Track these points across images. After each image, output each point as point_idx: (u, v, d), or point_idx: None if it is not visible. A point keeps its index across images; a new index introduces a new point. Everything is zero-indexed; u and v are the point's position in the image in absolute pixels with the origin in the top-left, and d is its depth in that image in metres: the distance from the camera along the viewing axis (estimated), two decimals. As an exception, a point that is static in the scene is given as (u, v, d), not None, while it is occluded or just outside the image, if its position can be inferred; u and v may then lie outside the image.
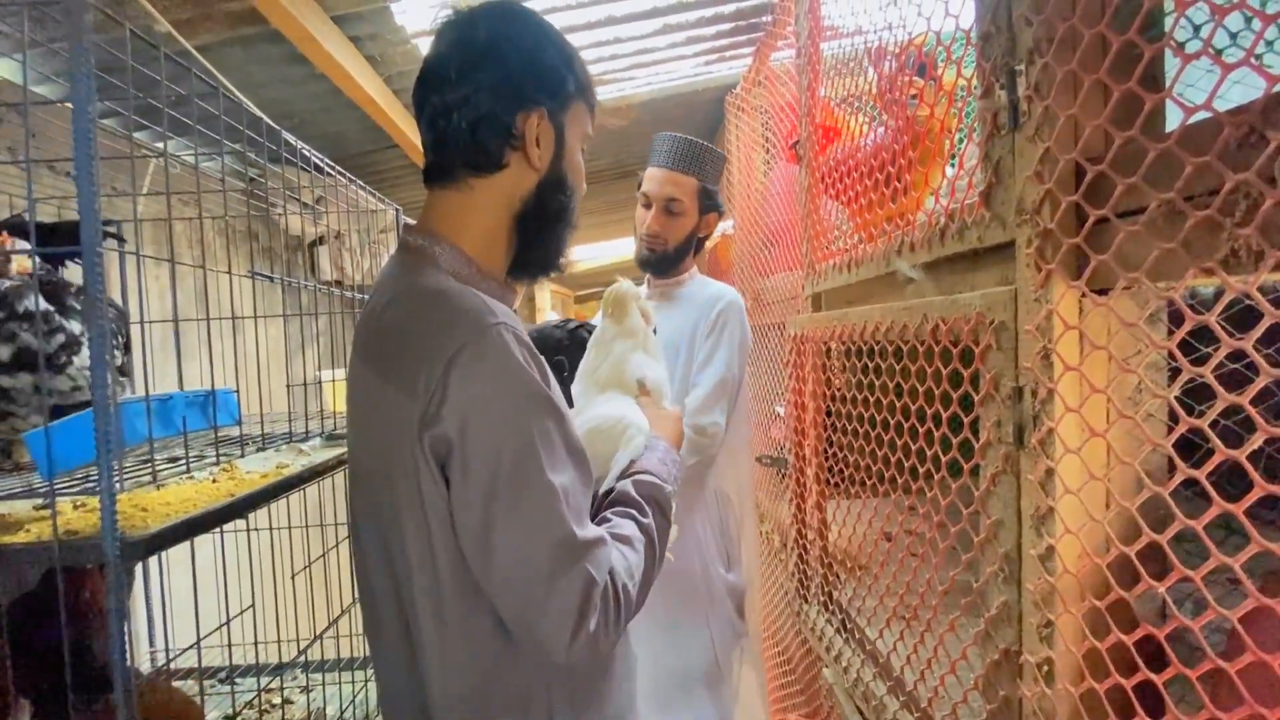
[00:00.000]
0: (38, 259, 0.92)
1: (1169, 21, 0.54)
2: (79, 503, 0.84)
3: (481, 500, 0.64)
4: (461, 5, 0.77)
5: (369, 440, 0.73)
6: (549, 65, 0.75)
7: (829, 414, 1.21)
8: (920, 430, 0.81)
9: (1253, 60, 0.42)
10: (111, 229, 0.96)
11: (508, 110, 0.74)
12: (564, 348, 1.39)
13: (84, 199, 0.55)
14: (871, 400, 0.97)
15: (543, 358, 0.74)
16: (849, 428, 1.08)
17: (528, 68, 0.74)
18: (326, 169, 1.29)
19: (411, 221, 0.82)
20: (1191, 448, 0.47)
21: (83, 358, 0.93)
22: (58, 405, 0.92)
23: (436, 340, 0.65)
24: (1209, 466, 0.43)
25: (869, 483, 1.00)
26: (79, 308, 0.95)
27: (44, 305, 0.91)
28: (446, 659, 0.70)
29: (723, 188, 1.76)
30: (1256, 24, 0.44)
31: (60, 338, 0.91)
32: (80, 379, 0.92)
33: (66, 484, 0.79)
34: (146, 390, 0.79)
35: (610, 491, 0.80)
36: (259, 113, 1.05)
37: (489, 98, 0.73)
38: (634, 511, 0.76)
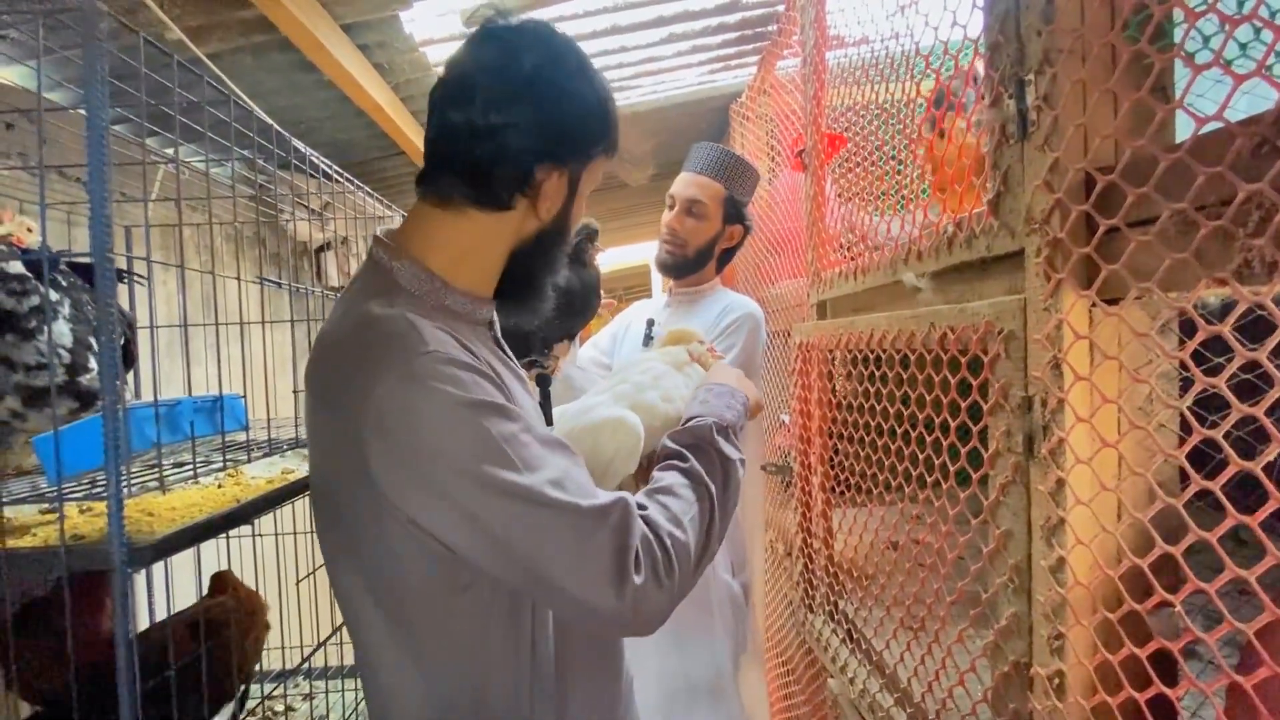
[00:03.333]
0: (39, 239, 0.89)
1: (1178, 32, 0.54)
2: (85, 507, 0.84)
3: (469, 519, 0.62)
4: (505, 8, 0.73)
5: (316, 462, 0.72)
6: (587, 123, 0.71)
7: (834, 421, 1.21)
8: (928, 439, 0.81)
9: (1264, 71, 0.42)
10: (124, 265, 0.94)
11: (532, 159, 0.69)
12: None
13: (95, 205, 0.55)
14: (878, 408, 0.96)
15: (508, 365, 0.74)
16: (855, 435, 1.07)
17: (565, 121, 0.70)
18: (335, 175, 1.30)
19: (392, 227, 0.79)
20: (1204, 458, 0.47)
21: (58, 331, 0.86)
22: (27, 385, 0.85)
23: (364, 375, 0.63)
24: (1223, 478, 0.42)
25: (875, 491, 1.00)
26: (64, 283, 0.92)
27: (21, 269, 0.86)
28: (412, 685, 0.69)
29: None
30: (1266, 35, 0.43)
31: (34, 299, 0.85)
32: (53, 356, 0.85)
33: (74, 488, 0.79)
34: (155, 396, 0.78)
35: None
36: (269, 120, 1.06)
37: (517, 141, 0.68)
38: (675, 461, 0.75)
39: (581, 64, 0.72)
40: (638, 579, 0.63)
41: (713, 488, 0.73)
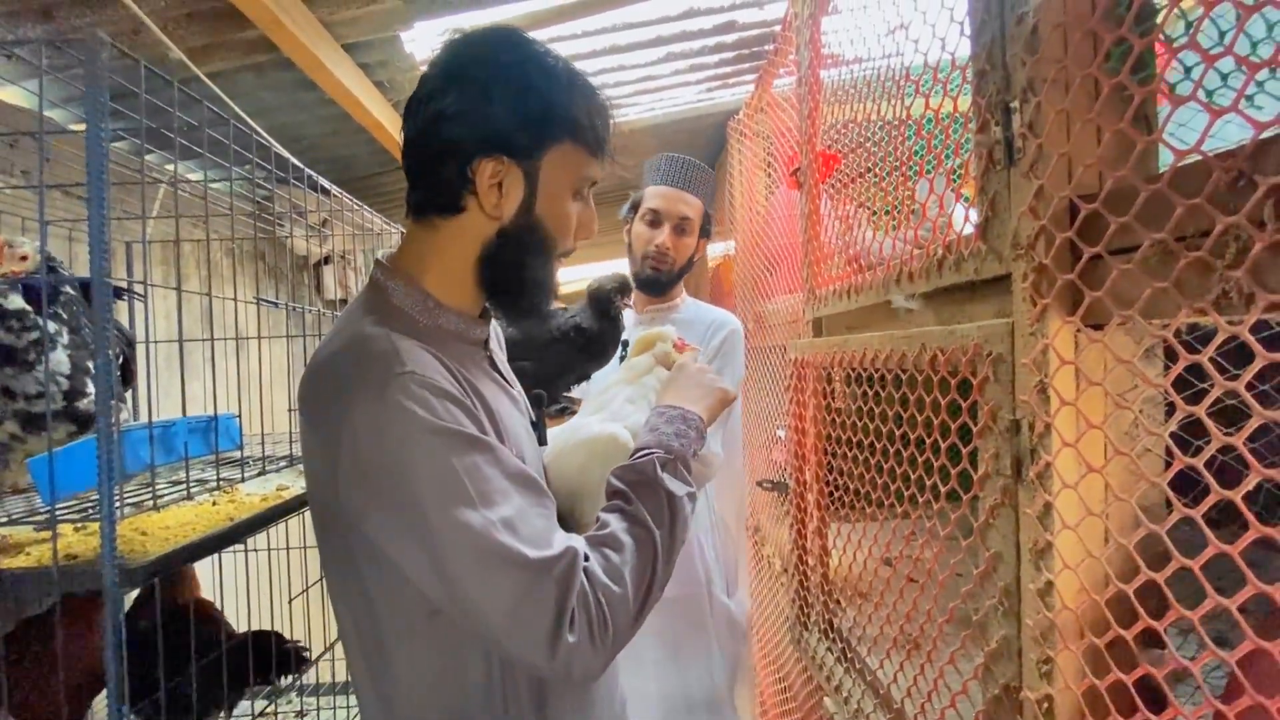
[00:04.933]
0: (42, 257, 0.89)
1: (1160, 63, 0.55)
2: (80, 525, 0.84)
3: (418, 547, 0.61)
4: (466, 28, 0.73)
5: (308, 478, 0.72)
6: (520, 108, 0.68)
7: (829, 439, 1.21)
8: (920, 458, 0.81)
9: (1241, 105, 0.43)
10: (123, 285, 0.95)
11: (464, 152, 0.68)
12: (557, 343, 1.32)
13: (94, 230, 0.56)
14: (872, 427, 0.97)
15: (501, 388, 0.73)
16: (850, 454, 1.08)
17: (493, 109, 0.68)
18: (334, 193, 1.31)
19: (391, 250, 0.79)
20: (1191, 482, 0.47)
21: (56, 360, 0.88)
22: (26, 412, 0.87)
23: (342, 393, 0.63)
24: (1204, 506, 0.43)
25: (869, 509, 1.00)
26: (63, 314, 0.93)
27: (19, 304, 0.88)
28: (389, 710, 0.69)
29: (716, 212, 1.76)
30: (1245, 66, 0.44)
31: (33, 334, 0.87)
32: (51, 383, 0.87)
33: (68, 508, 0.79)
34: (149, 416, 0.79)
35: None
36: (268, 139, 1.07)
37: (449, 134, 0.68)
38: (619, 503, 0.72)
39: (523, 57, 0.70)
40: (571, 638, 0.61)
41: (657, 533, 0.70)
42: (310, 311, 1.38)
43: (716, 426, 1.51)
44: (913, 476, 0.83)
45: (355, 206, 1.47)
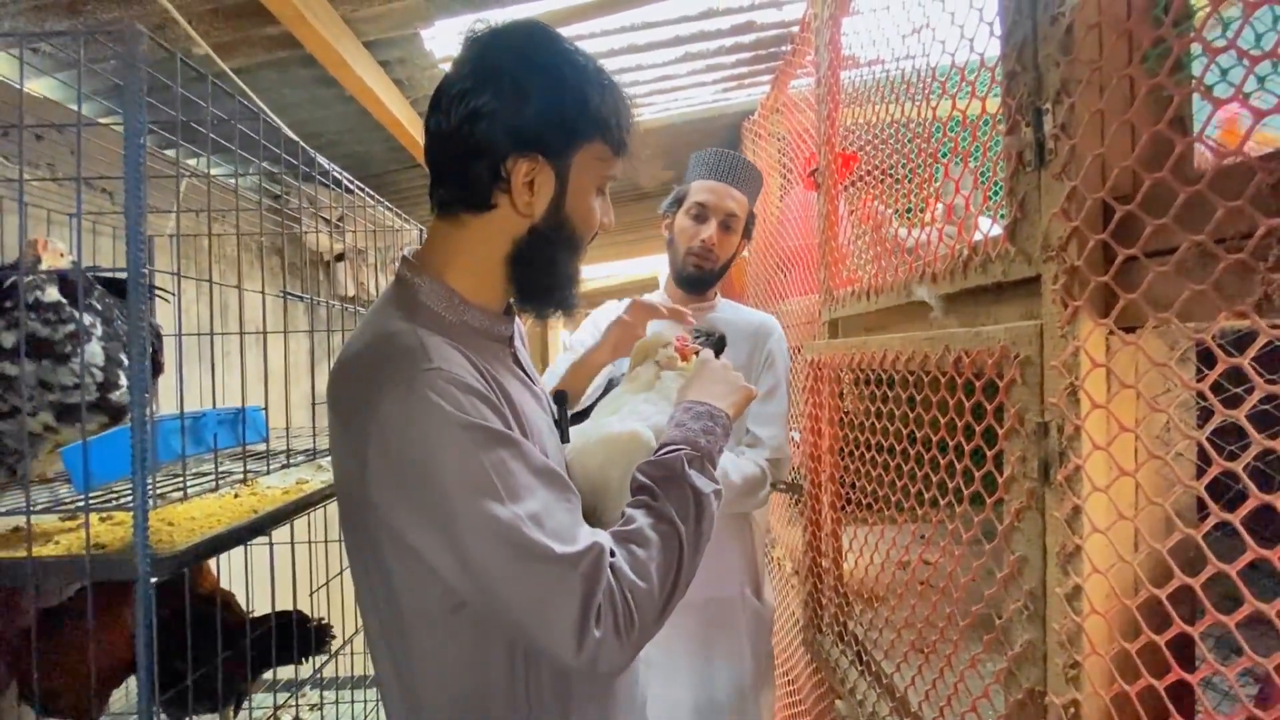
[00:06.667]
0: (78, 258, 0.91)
1: (1196, 65, 0.55)
2: (105, 515, 0.85)
3: (446, 542, 0.62)
4: (492, 21, 0.72)
5: (336, 473, 0.73)
6: (555, 108, 0.69)
7: (845, 440, 1.21)
8: (941, 461, 0.80)
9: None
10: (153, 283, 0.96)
11: (499, 150, 0.68)
12: None
13: (131, 223, 0.57)
14: (891, 429, 0.96)
15: (526, 394, 0.73)
16: (866, 455, 1.07)
17: (529, 109, 0.68)
18: (354, 189, 1.32)
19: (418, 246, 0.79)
20: (1223, 488, 0.47)
21: (91, 352, 0.90)
22: (61, 403, 0.89)
23: (370, 389, 0.64)
24: (1243, 510, 0.42)
25: (887, 512, 1.00)
26: (98, 305, 0.94)
27: (55, 296, 0.89)
28: (412, 704, 0.70)
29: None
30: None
31: (69, 327, 0.88)
32: (86, 375, 0.88)
33: (95, 498, 0.80)
34: (180, 408, 0.79)
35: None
36: (293, 135, 1.08)
37: (482, 133, 0.68)
38: (645, 498, 0.72)
39: (556, 55, 0.70)
40: (598, 633, 0.61)
41: (682, 529, 0.70)
42: (332, 306, 1.39)
43: (787, 427, 1.50)
44: (933, 479, 0.83)
45: (374, 203, 1.48)
